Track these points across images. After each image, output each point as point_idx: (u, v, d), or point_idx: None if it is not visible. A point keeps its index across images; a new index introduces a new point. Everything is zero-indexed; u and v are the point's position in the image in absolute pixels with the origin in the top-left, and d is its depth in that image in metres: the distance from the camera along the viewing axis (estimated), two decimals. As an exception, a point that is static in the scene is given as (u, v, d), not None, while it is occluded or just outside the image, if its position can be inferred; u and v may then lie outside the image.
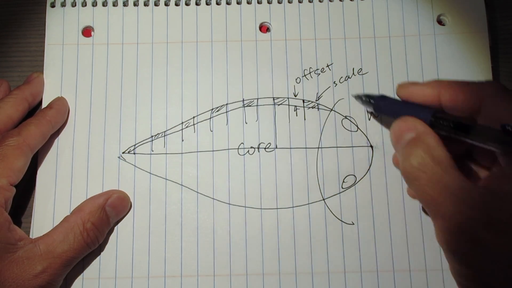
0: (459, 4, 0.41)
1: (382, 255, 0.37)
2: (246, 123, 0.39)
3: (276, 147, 0.39)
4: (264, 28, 0.41)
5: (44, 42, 0.41)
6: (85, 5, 0.41)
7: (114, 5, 0.41)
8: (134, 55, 0.40)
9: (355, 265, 0.37)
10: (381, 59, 0.41)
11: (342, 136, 0.39)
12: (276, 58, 0.41)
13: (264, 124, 0.39)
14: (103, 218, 0.36)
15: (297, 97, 0.40)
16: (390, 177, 0.38)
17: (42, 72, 0.40)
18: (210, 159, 0.39)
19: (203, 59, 0.41)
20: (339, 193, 0.38)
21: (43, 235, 0.34)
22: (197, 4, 0.41)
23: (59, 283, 0.34)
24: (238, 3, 0.41)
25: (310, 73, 0.40)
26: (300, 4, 0.41)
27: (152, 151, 0.39)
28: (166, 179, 0.38)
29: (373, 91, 0.40)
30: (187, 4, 0.42)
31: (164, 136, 0.39)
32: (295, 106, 0.40)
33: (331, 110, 0.40)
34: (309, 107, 0.40)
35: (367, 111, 0.39)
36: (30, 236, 0.37)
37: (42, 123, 0.37)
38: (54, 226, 0.35)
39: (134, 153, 0.39)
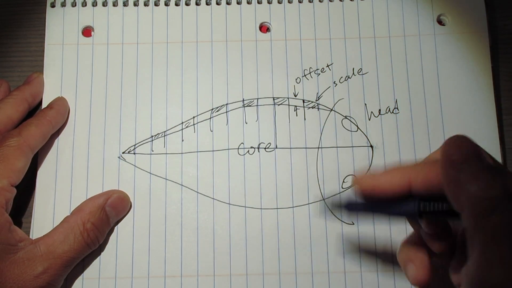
0: (459, 4, 0.41)
1: (382, 255, 0.37)
2: (246, 123, 0.39)
3: (276, 147, 0.39)
4: (264, 28, 0.41)
5: (44, 42, 0.41)
6: (85, 5, 0.41)
7: (114, 5, 0.41)
8: (134, 55, 0.40)
9: (355, 265, 0.37)
10: (381, 59, 0.41)
11: (342, 136, 0.39)
12: (276, 58, 0.41)
13: (264, 124, 0.39)
14: (103, 218, 0.36)
15: (297, 97, 0.40)
16: (390, 177, 0.38)
17: (42, 72, 0.40)
18: (210, 159, 0.39)
19: (203, 59, 0.41)
20: (339, 193, 0.38)
21: (44, 235, 0.34)
22: (197, 4, 0.41)
23: (60, 284, 0.34)
24: (238, 3, 0.41)
25: (310, 73, 0.40)
26: (300, 4, 0.41)
27: (152, 151, 0.39)
28: (166, 179, 0.38)
29: (373, 91, 0.40)
30: (187, 4, 0.41)
31: (164, 136, 0.39)
32: (295, 106, 0.40)
33: (331, 110, 0.40)
34: (309, 107, 0.40)
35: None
36: (30, 236, 0.37)
37: (42, 123, 0.37)
38: (54, 226, 0.35)
39: (134, 153, 0.39)
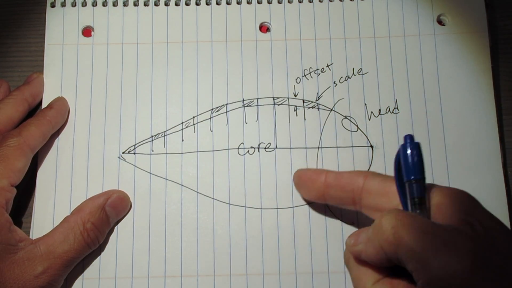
0: (459, 4, 0.41)
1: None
2: (246, 123, 0.39)
3: (276, 147, 0.39)
4: (264, 28, 0.41)
5: (44, 42, 0.41)
6: (85, 5, 0.41)
7: (114, 5, 0.41)
8: (134, 55, 0.40)
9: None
10: (381, 59, 0.41)
11: (342, 136, 0.39)
12: (276, 58, 0.41)
13: (264, 124, 0.39)
14: (103, 218, 0.36)
15: (297, 97, 0.40)
16: (390, 177, 0.38)
17: (42, 72, 0.40)
18: (210, 159, 0.39)
19: (203, 59, 0.40)
20: (339, 193, 0.38)
21: (44, 235, 0.34)
22: (197, 4, 0.41)
23: (60, 284, 0.34)
24: (238, 3, 0.41)
25: (310, 73, 0.40)
26: (300, 4, 0.41)
27: (152, 151, 0.39)
28: (166, 179, 0.38)
29: (373, 91, 0.40)
30: (187, 4, 0.41)
31: (164, 136, 0.39)
32: (295, 106, 0.40)
33: (331, 110, 0.40)
34: (309, 107, 0.40)
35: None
36: (30, 236, 0.37)
37: (42, 123, 0.37)
38: (54, 226, 0.35)
39: (134, 153, 0.39)
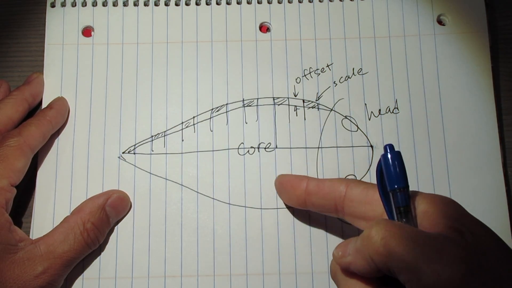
0: (459, 4, 0.41)
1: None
2: (246, 123, 0.39)
3: (276, 147, 0.39)
4: (264, 28, 0.41)
5: (44, 42, 0.41)
6: (85, 5, 0.41)
7: (114, 5, 0.41)
8: (134, 55, 0.40)
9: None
10: (381, 59, 0.41)
11: (342, 136, 0.39)
12: (276, 58, 0.41)
13: (264, 124, 0.39)
14: (103, 218, 0.36)
15: (297, 97, 0.40)
16: (390, 177, 0.38)
17: (42, 72, 0.40)
18: (210, 159, 0.39)
19: (203, 59, 0.41)
20: (339, 193, 0.38)
21: (44, 235, 0.34)
22: (197, 4, 0.41)
23: (60, 284, 0.34)
24: (238, 3, 0.41)
25: (310, 73, 0.40)
26: (300, 4, 0.41)
27: (152, 151, 0.39)
28: (166, 179, 0.38)
29: (373, 91, 0.40)
30: (187, 4, 0.41)
31: (164, 136, 0.39)
32: (295, 106, 0.40)
33: (331, 110, 0.40)
34: (309, 107, 0.40)
35: None
36: (30, 236, 0.37)
37: (42, 123, 0.37)
38: (54, 226, 0.35)
39: (134, 153, 0.39)
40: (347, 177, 0.38)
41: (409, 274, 0.25)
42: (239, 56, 0.41)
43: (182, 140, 0.39)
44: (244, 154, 0.39)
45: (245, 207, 0.38)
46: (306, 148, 0.39)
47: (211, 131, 0.39)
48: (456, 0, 0.41)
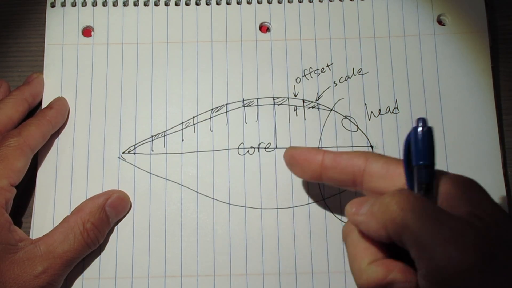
0: (459, 4, 0.41)
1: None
2: (246, 123, 0.39)
3: (276, 147, 0.39)
4: (264, 28, 0.41)
5: (44, 42, 0.41)
6: (85, 5, 0.41)
7: (114, 5, 0.41)
8: (134, 55, 0.40)
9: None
10: (381, 59, 0.41)
11: (342, 136, 0.39)
12: (276, 58, 0.41)
13: (264, 124, 0.39)
14: (103, 218, 0.36)
15: (297, 97, 0.40)
16: (390, 177, 0.38)
17: (42, 72, 0.40)
18: (210, 159, 0.39)
19: (203, 59, 0.41)
20: (339, 193, 0.38)
21: (44, 235, 0.34)
22: (197, 4, 0.41)
23: (60, 284, 0.34)
24: (238, 3, 0.41)
25: (310, 73, 0.40)
26: (300, 4, 0.41)
27: (152, 151, 0.39)
28: (166, 179, 0.38)
29: (373, 91, 0.40)
30: (187, 4, 0.41)
31: (164, 136, 0.39)
32: (295, 106, 0.40)
33: (331, 110, 0.40)
34: (309, 107, 0.40)
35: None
36: (30, 236, 0.37)
37: (42, 123, 0.37)
38: (54, 226, 0.35)
39: (134, 153, 0.39)
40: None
41: (422, 251, 0.25)
42: (239, 56, 0.41)
43: (182, 140, 0.39)
44: (244, 154, 0.39)
45: (245, 207, 0.38)
46: (306, 148, 0.39)
47: (211, 131, 0.39)
48: (456, 0, 0.41)
